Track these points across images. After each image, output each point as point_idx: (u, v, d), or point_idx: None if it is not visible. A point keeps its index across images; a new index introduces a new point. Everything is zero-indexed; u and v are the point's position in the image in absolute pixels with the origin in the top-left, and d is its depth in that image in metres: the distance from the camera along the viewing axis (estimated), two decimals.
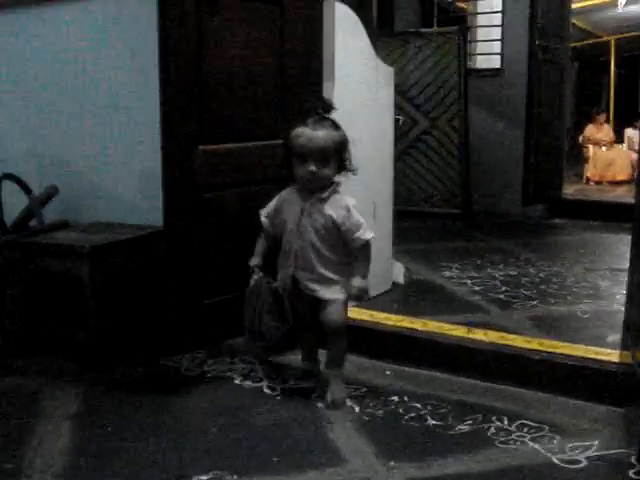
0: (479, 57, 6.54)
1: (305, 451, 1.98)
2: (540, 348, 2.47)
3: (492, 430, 2.12)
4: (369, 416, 2.22)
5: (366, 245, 2.26)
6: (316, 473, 1.87)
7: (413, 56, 5.81)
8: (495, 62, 6.03)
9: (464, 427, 2.14)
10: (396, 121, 3.70)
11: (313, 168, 2.21)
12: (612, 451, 1.99)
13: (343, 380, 2.33)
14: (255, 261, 2.38)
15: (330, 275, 2.27)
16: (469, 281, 3.88)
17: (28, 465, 1.92)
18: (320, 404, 2.30)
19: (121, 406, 2.28)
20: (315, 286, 2.28)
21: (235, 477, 1.84)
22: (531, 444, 2.04)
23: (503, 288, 3.73)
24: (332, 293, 2.27)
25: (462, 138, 5.76)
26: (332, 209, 2.25)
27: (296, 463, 1.88)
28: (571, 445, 2.03)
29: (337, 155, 2.25)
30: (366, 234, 2.25)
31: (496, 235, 5.20)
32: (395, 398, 2.34)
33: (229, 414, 2.19)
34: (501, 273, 4.05)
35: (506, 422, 2.17)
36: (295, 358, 2.62)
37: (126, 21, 2.72)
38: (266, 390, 2.39)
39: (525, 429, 2.12)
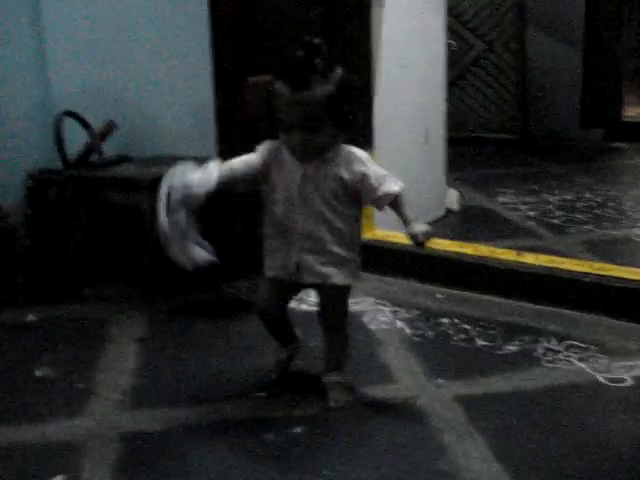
0: None
1: (357, 370, 2.06)
2: (590, 270, 2.49)
3: (540, 350, 2.17)
4: (419, 337, 2.30)
5: (399, 197, 1.77)
6: (368, 390, 1.96)
7: None
8: None
9: (512, 348, 2.20)
10: (448, 46, 3.66)
11: (299, 139, 1.70)
12: None
13: (346, 386, 1.93)
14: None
15: (344, 253, 1.80)
16: (523, 206, 3.89)
17: (97, 384, 2.05)
18: (372, 326, 2.38)
19: (182, 330, 2.40)
20: (328, 269, 1.80)
21: (288, 393, 1.94)
22: (578, 363, 2.09)
23: (557, 213, 3.73)
24: (347, 277, 1.83)
25: (519, 61, 5.66)
26: (342, 168, 1.75)
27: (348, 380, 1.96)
28: (617, 364, 2.07)
29: (333, 112, 1.69)
30: (393, 186, 1.76)
31: (553, 160, 5.15)
32: (445, 320, 2.40)
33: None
34: (556, 198, 4.04)
35: (554, 343, 2.22)
36: None
37: None
38: None
39: (572, 349, 2.17)
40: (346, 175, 1.75)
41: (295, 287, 1.90)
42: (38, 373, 2.13)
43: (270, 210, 1.82)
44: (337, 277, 1.81)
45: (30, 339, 2.37)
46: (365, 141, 2.84)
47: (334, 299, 1.87)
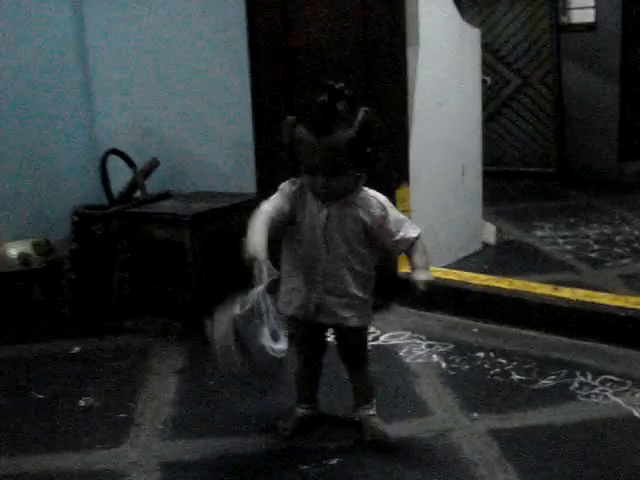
0: (575, 12, 6.37)
1: (393, 403, 2.09)
2: (626, 305, 2.50)
3: (575, 385, 2.18)
4: (455, 371, 2.32)
5: (414, 243, 1.78)
6: (402, 423, 1.99)
7: (504, 13, 5.73)
8: (590, 17, 5.88)
9: (548, 382, 2.21)
10: (483, 82, 3.72)
11: (322, 184, 1.71)
12: None
13: (379, 419, 1.95)
14: (260, 250, 1.63)
15: (361, 295, 1.81)
16: (561, 240, 3.89)
17: (139, 414, 2.11)
18: (408, 359, 2.41)
19: None
20: (346, 312, 1.81)
21: (325, 425, 1.98)
22: (613, 398, 2.09)
23: (595, 247, 3.73)
24: (364, 319, 1.86)
25: (556, 95, 5.68)
26: (363, 212, 1.77)
27: (384, 414, 1.98)
28: None
29: (355, 155, 1.70)
30: (411, 232, 1.78)
31: (591, 193, 5.13)
32: (481, 354, 2.42)
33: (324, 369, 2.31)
34: (594, 232, 4.03)
35: (590, 377, 2.22)
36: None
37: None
38: None
39: (608, 384, 2.17)
40: (366, 218, 1.77)
41: (316, 328, 1.90)
42: (82, 402, 2.20)
43: (292, 250, 1.82)
44: (354, 320, 1.83)
45: (75, 369, 2.45)
46: (401, 177, 2.90)
47: (353, 339, 1.90)
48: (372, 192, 1.81)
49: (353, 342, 1.91)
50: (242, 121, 2.82)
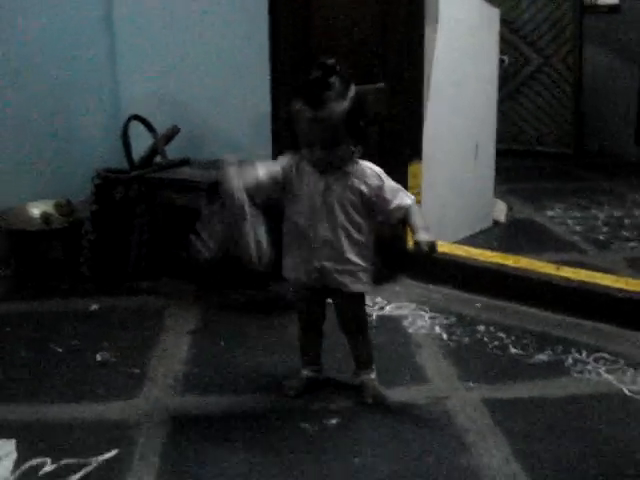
0: None
1: (394, 370, 2.19)
2: (625, 286, 2.57)
3: (569, 361, 2.27)
4: (455, 343, 2.41)
5: (409, 210, 1.86)
6: (402, 389, 2.09)
7: None
8: None
9: (543, 357, 2.30)
10: (501, 62, 3.76)
11: (320, 155, 1.79)
12: None
13: (378, 384, 2.07)
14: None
15: (359, 261, 1.91)
16: (571, 221, 3.96)
17: (152, 370, 2.23)
18: (411, 330, 2.51)
19: (233, 324, 2.55)
20: (345, 278, 1.91)
21: (328, 387, 2.09)
22: (605, 375, 2.17)
23: (604, 229, 3.79)
24: (363, 285, 1.94)
25: (576, 76, 5.70)
26: (360, 182, 1.86)
27: (385, 380, 2.09)
28: None
29: (350, 127, 1.79)
30: (406, 199, 1.87)
31: (606, 175, 5.18)
32: (482, 328, 2.51)
33: (330, 337, 2.40)
34: (604, 214, 4.10)
35: (584, 354, 2.31)
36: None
37: None
38: None
39: (601, 361, 2.26)
40: (364, 187, 1.86)
41: (317, 294, 1.99)
42: (98, 357, 2.31)
43: (291, 219, 1.92)
44: (353, 285, 1.92)
45: (92, 327, 2.57)
46: (413, 153, 2.97)
47: (352, 306, 2.00)
48: (368, 163, 1.90)
49: (351, 309, 2.01)
50: (261, 93, 2.89)
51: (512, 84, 5.84)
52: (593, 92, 5.75)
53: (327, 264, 1.90)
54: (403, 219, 1.88)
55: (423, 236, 1.81)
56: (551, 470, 1.72)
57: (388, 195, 1.86)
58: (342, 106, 1.76)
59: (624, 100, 5.67)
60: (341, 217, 1.87)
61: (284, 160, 1.91)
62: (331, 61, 1.77)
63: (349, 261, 1.90)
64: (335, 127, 1.76)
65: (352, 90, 1.80)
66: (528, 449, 1.79)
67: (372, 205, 1.88)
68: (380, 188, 1.86)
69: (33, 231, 3.04)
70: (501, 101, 4.53)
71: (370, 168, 1.89)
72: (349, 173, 1.86)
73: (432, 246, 1.81)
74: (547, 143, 5.88)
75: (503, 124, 5.41)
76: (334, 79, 1.77)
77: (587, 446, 1.82)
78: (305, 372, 2.11)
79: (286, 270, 1.98)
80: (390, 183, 1.88)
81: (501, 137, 4.21)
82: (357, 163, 1.88)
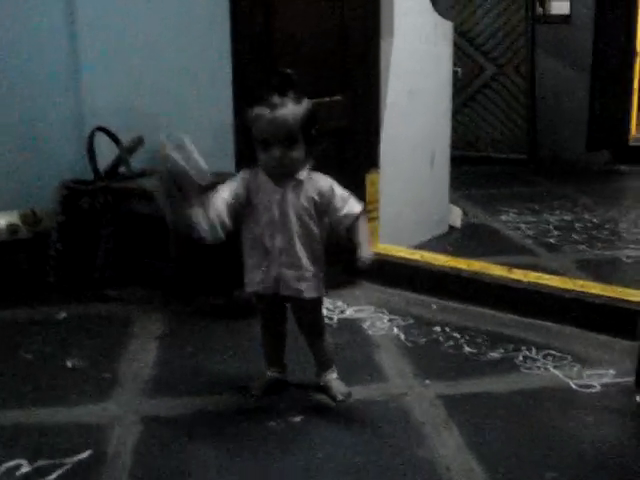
0: (554, 3, 6.55)
1: (354, 370, 2.30)
2: (573, 287, 2.71)
3: (520, 358, 2.40)
4: (412, 343, 2.53)
5: (359, 218, 1.96)
6: (360, 387, 2.20)
7: (482, 2, 5.90)
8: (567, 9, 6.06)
9: (495, 355, 2.43)
10: (454, 73, 3.90)
11: (278, 154, 1.88)
12: (625, 379, 2.23)
13: (339, 378, 2.15)
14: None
15: (313, 269, 1.99)
16: (524, 225, 4.11)
17: (122, 375, 2.31)
18: (371, 332, 2.62)
19: (199, 330, 2.64)
20: (302, 285, 1.99)
21: (291, 388, 2.19)
22: (553, 370, 2.31)
23: (555, 232, 3.95)
24: (318, 290, 2.03)
25: (529, 84, 5.88)
26: (314, 190, 1.95)
27: (345, 379, 2.18)
28: (589, 372, 2.29)
29: (304, 132, 1.91)
30: (355, 207, 1.96)
31: (558, 181, 5.36)
32: (437, 328, 2.63)
33: (292, 339, 2.51)
34: (556, 218, 4.26)
35: (534, 352, 2.44)
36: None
37: None
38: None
39: (550, 358, 2.39)
40: (316, 196, 1.95)
41: (277, 301, 2.07)
42: (69, 364, 2.38)
43: (250, 230, 2.00)
44: (309, 292, 2.00)
45: (61, 334, 2.63)
46: (371, 163, 3.09)
47: (309, 311, 2.08)
48: (319, 174, 1.99)
49: (309, 314, 2.09)
50: (223, 103, 2.98)
51: (467, 92, 6.01)
52: (546, 100, 5.93)
53: (284, 272, 1.98)
54: (350, 228, 1.96)
55: (366, 253, 1.93)
56: (502, 458, 1.84)
57: (339, 203, 1.95)
58: (298, 109, 1.89)
59: (575, 107, 5.86)
60: (296, 226, 1.96)
61: (243, 175, 2.00)
62: (289, 71, 1.92)
63: (305, 268, 1.98)
64: (292, 126, 1.88)
65: (306, 100, 1.93)
66: (480, 439, 1.92)
67: (324, 213, 1.98)
68: (331, 196, 1.95)
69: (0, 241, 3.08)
70: (456, 109, 4.69)
71: (322, 177, 1.98)
72: (302, 182, 1.95)
73: (370, 262, 1.94)
74: (501, 149, 6.05)
75: (458, 131, 5.60)
76: (291, 87, 1.91)
77: (536, 436, 1.95)
78: (269, 373, 2.20)
79: (246, 283, 2.06)
80: (340, 191, 1.97)
81: (456, 144, 4.36)
82: (309, 173, 1.97)
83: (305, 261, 1.98)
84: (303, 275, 1.99)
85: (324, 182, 1.97)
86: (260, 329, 2.19)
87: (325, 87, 2.97)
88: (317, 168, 1.99)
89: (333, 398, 2.09)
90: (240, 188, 1.97)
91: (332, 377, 2.15)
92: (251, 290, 2.07)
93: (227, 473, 1.79)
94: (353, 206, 1.96)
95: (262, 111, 1.89)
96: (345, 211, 1.95)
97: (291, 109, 1.88)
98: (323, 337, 2.15)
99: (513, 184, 5.31)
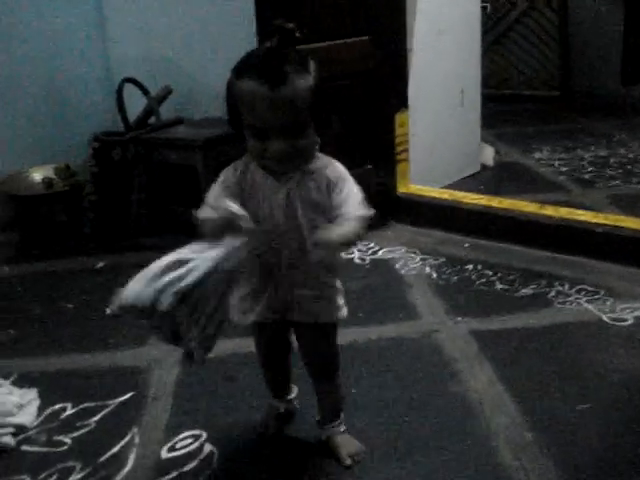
0: None
1: (387, 309, 2.33)
2: (605, 222, 2.70)
3: (552, 293, 2.40)
4: (445, 281, 2.54)
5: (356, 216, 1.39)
6: (393, 325, 2.23)
7: None
8: None
9: (528, 291, 2.43)
10: (483, 9, 3.83)
11: (281, 146, 1.36)
12: None
13: (347, 432, 1.70)
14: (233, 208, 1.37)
15: (333, 281, 1.54)
16: (557, 162, 4.06)
17: None
18: (403, 272, 2.64)
19: None
20: (318, 306, 1.53)
21: None
22: (585, 305, 2.31)
23: (589, 169, 3.90)
24: (340, 310, 1.56)
25: (561, 19, 5.74)
26: (323, 182, 1.43)
27: (378, 318, 2.23)
28: (622, 306, 2.29)
29: (315, 110, 1.38)
30: (362, 211, 1.39)
31: (592, 117, 5.25)
32: (470, 266, 2.64)
33: None
34: (590, 154, 4.19)
35: (567, 287, 2.44)
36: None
37: None
38: (357, 260, 2.74)
39: (583, 292, 2.39)
40: (327, 191, 1.43)
41: (281, 328, 1.62)
42: (108, 311, 2.44)
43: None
44: (329, 314, 1.55)
45: (100, 282, 2.69)
46: (400, 103, 3.07)
47: (325, 339, 1.59)
48: (329, 159, 1.48)
49: (326, 343, 1.60)
50: (247, 51, 2.98)
51: (498, 29, 5.89)
52: (579, 34, 5.79)
53: (298, 293, 1.51)
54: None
55: (328, 235, 1.33)
56: (534, 391, 1.86)
57: (348, 202, 1.41)
58: (307, 82, 1.35)
59: (610, 42, 5.71)
60: (307, 231, 1.44)
61: (228, 177, 1.48)
62: (290, 25, 1.32)
63: (323, 283, 1.52)
64: (299, 109, 1.35)
65: (313, 67, 1.38)
66: (512, 373, 1.94)
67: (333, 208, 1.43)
68: (341, 191, 1.43)
69: (36, 195, 3.15)
70: (487, 46, 4.61)
71: (330, 165, 1.46)
72: (312, 173, 1.44)
73: (329, 255, 1.46)
74: (535, 86, 5.95)
75: (490, 69, 5.51)
76: (291, 50, 1.35)
77: (568, 369, 1.96)
78: (281, 407, 1.78)
79: (242, 307, 1.55)
80: (353, 187, 1.44)
81: (488, 83, 4.30)
82: (319, 159, 1.46)
83: (322, 275, 1.51)
84: (321, 292, 1.52)
85: (335, 173, 1.44)
86: (259, 364, 1.73)
87: (351, 27, 2.93)
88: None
89: (340, 461, 1.64)
90: (230, 197, 1.43)
91: (339, 431, 1.69)
92: (248, 321, 1.57)
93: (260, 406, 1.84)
94: (360, 209, 1.40)
95: (256, 87, 1.32)
96: (342, 211, 1.40)
97: (297, 85, 1.33)
98: (335, 379, 1.66)
99: (546, 121, 5.22)
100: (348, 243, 1.36)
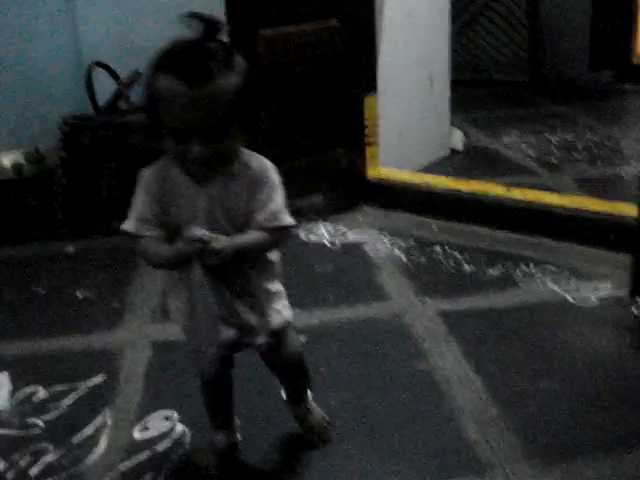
0: None
1: (356, 290, 2.37)
2: (569, 204, 2.75)
3: (518, 274, 2.45)
4: (413, 263, 2.58)
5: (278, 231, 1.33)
6: (363, 306, 2.27)
7: None
8: None
9: (495, 272, 2.48)
10: None
11: (200, 151, 1.24)
12: (622, 291, 2.28)
13: (315, 411, 1.69)
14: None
15: (269, 285, 1.43)
16: (525, 146, 4.11)
17: (130, 303, 2.38)
18: (372, 254, 2.67)
19: None
20: (268, 316, 1.42)
21: (296, 309, 2.24)
22: (550, 285, 2.36)
23: (556, 152, 3.95)
24: (287, 311, 1.48)
25: (530, 4, 5.79)
26: (248, 181, 1.32)
27: (348, 299, 2.27)
28: (585, 286, 2.34)
29: (240, 110, 1.25)
30: (286, 219, 1.33)
31: (561, 101, 5.30)
32: (438, 249, 2.68)
33: (296, 263, 2.56)
34: (557, 138, 4.25)
35: (532, 267, 2.49)
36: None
37: None
38: (327, 244, 2.77)
39: (547, 273, 2.44)
40: (251, 192, 1.32)
41: (226, 352, 1.47)
42: (79, 295, 2.45)
43: None
44: (277, 318, 1.44)
45: (70, 267, 2.70)
46: (368, 86, 3.09)
47: (282, 345, 1.50)
48: (254, 155, 1.36)
49: (285, 348, 1.51)
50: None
51: (468, 14, 5.92)
52: (548, 19, 5.84)
53: (237, 310, 1.38)
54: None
55: (217, 243, 1.25)
56: (500, 369, 1.91)
57: (270, 208, 1.32)
58: (231, 81, 1.23)
59: (578, 27, 5.76)
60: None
61: (148, 181, 1.41)
62: (216, 18, 1.24)
63: (265, 290, 1.42)
64: (223, 110, 1.23)
65: (239, 59, 1.26)
66: (479, 352, 1.98)
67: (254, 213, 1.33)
68: (267, 196, 1.32)
69: (5, 180, 3.13)
70: (457, 31, 4.63)
71: (255, 161, 1.34)
72: (235, 173, 1.32)
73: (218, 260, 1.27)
74: (504, 71, 5.99)
75: (460, 54, 5.54)
76: (217, 43, 1.24)
77: (533, 348, 2.01)
78: (223, 439, 1.63)
79: (186, 334, 1.50)
80: (277, 190, 1.34)
81: (458, 67, 4.32)
82: (244, 156, 1.34)
83: (261, 281, 1.40)
84: (260, 302, 1.41)
85: (261, 173, 1.33)
86: (202, 394, 1.61)
87: (319, 10, 2.94)
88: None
89: (312, 440, 1.66)
90: (153, 204, 1.37)
91: (307, 409, 1.68)
92: (195, 346, 1.47)
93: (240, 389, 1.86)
94: (283, 218, 1.33)
95: (174, 85, 1.21)
96: (274, 224, 1.32)
97: (221, 83, 1.21)
98: (304, 366, 1.63)
99: (515, 106, 5.27)
100: (244, 255, 1.29)
